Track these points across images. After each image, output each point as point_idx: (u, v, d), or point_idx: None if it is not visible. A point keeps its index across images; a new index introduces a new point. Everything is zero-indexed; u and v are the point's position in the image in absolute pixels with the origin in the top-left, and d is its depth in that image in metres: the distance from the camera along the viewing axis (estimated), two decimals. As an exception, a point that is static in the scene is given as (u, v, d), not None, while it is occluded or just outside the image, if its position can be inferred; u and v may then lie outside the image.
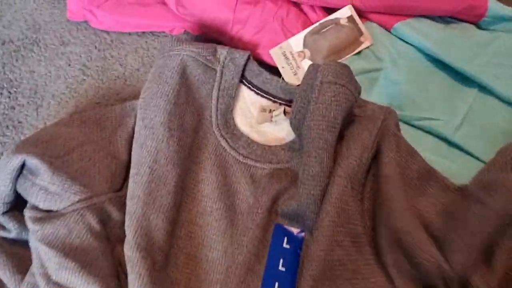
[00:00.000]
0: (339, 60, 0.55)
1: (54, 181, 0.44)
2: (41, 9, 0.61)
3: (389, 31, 0.57)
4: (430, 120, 0.53)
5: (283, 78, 0.55)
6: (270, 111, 0.53)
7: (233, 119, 0.52)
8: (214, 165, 0.49)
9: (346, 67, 0.48)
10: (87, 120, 0.51)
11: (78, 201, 0.44)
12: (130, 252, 0.43)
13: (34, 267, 0.43)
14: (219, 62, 0.53)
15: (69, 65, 0.58)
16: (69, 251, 0.42)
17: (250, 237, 0.45)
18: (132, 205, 0.45)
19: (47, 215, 0.44)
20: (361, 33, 0.56)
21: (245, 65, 0.53)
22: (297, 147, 0.50)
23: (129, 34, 0.60)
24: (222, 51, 0.53)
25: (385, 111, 0.49)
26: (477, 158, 0.52)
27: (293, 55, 0.56)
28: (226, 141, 0.51)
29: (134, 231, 0.43)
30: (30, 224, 0.43)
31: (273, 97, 0.54)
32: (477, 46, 0.55)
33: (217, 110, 0.52)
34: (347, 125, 0.49)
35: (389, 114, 0.49)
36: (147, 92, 0.49)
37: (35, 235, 0.43)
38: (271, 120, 0.53)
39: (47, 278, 0.42)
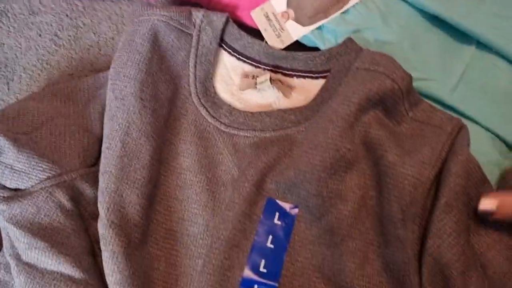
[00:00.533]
0: (326, 19, 0.52)
1: (20, 159, 0.42)
2: (9, -23, 0.57)
3: (380, -15, 0.52)
4: (423, 80, 0.49)
5: (266, 42, 0.52)
6: (254, 77, 0.50)
7: (213, 86, 0.49)
8: (194, 135, 0.47)
9: (389, 57, 0.47)
10: (58, 93, 0.49)
11: (46, 179, 0.42)
12: (103, 229, 0.41)
13: (4, 248, 0.42)
14: (194, 26, 0.49)
15: (40, 35, 0.55)
16: (38, 231, 0.41)
17: (236, 212, 0.43)
18: (104, 180, 0.43)
19: (15, 194, 0.42)
20: (349, -11, 0.52)
21: (224, 28, 0.50)
22: (290, 117, 0.47)
23: (103, 0, 0.57)
24: (198, 14, 0.49)
25: (454, 124, 0.44)
26: (476, 121, 0.49)
27: (276, 17, 0.52)
28: (207, 110, 0.48)
29: (107, 208, 0.41)
30: (-3, 204, 0.42)
31: (256, 62, 0.51)
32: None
33: (195, 78, 0.49)
34: (399, 126, 0.46)
35: (459, 129, 0.44)
36: (117, 62, 0.46)
37: (3, 215, 0.41)
38: (255, 87, 0.50)
39: (17, 258, 0.41)
